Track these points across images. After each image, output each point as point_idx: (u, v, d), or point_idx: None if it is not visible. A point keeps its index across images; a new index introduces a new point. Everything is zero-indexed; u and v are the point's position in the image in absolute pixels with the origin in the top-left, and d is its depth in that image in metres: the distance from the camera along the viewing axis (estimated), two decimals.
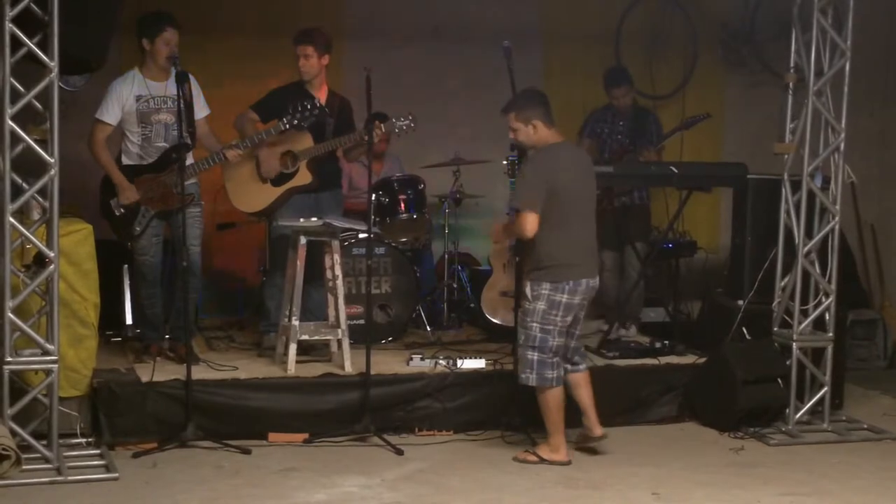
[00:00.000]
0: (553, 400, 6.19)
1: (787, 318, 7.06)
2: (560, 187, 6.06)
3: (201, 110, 6.92)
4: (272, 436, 6.49)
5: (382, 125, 7.09)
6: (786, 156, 7.07)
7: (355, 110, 7.34)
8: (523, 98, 6.30)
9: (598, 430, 6.34)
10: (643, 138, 8.30)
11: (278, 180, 7.24)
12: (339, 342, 6.88)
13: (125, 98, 6.77)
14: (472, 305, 8.15)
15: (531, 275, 6.19)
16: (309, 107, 7.02)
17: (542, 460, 6.21)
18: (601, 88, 8.53)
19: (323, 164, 7.30)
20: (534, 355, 6.16)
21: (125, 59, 7.23)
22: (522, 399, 6.32)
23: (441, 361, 6.94)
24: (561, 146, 6.22)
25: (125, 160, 6.89)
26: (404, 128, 7.25)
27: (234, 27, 8.49)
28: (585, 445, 6.42)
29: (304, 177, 7.22)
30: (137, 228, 6.84)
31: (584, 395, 6.34)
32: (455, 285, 8.26)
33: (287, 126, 7.01)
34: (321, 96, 7.25)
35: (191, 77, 6.58)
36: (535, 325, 6.14)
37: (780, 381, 6.96)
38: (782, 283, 7.13)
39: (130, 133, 6.85)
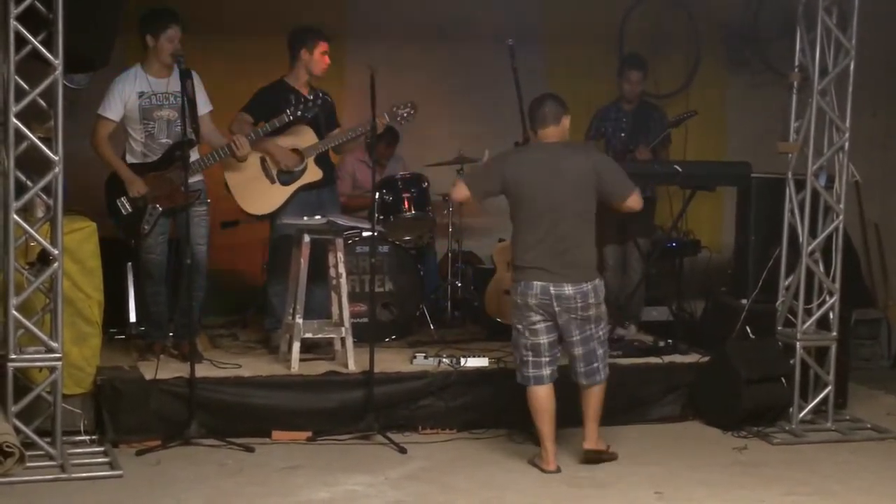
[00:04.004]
0: (532, 401, 6.09)
1: (790, 317, 7.06)
2: (517, 185, 5.97)
3: (204, 107, 6.91)
4: (275, 434, 6.49)
5: (386, 114, 7.11)
6: (790, 155, 7.06)
7: (359, 108, 7.34)
8: None
9: (588, 444, 6.15)
10: (644, 135, 8.28)
11: (287, 179, 7.23)
12: (343, 340, 6.89)
13: (127, 94, 6.76)
14: (475, 304, 8.15)
15: None
16: (311, 98, 7.05)
17: (534, 465, 6.17)
18: (604, 87, 8.50)
19: (321, 158, 7.31)
20: (516, 353, 6.16)
21: (128, 56, 7.22)
22: (524, 398, 6.31)
23: (444, 360, 6.94)
24: (540, 146, 6.10)
25: (129, 158, 6.88)
26: (405, 115, 7.26)
27: (236, 27, 8.48)
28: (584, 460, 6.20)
29: (313, 173, 7.23)
30: (146, 227, 6.81)
31: (584, 406, 6.17)
32: (459, 283, 8.26)
33: (290, 118, 7.03)
34: (304, 92, 7.25)
35: (193, 73, 6.58)
36: (514, 319, 6.15)
37: (783, 380, 6.96)
38: (786, 283, 7.12)
39: (133, 130, 6.84)
